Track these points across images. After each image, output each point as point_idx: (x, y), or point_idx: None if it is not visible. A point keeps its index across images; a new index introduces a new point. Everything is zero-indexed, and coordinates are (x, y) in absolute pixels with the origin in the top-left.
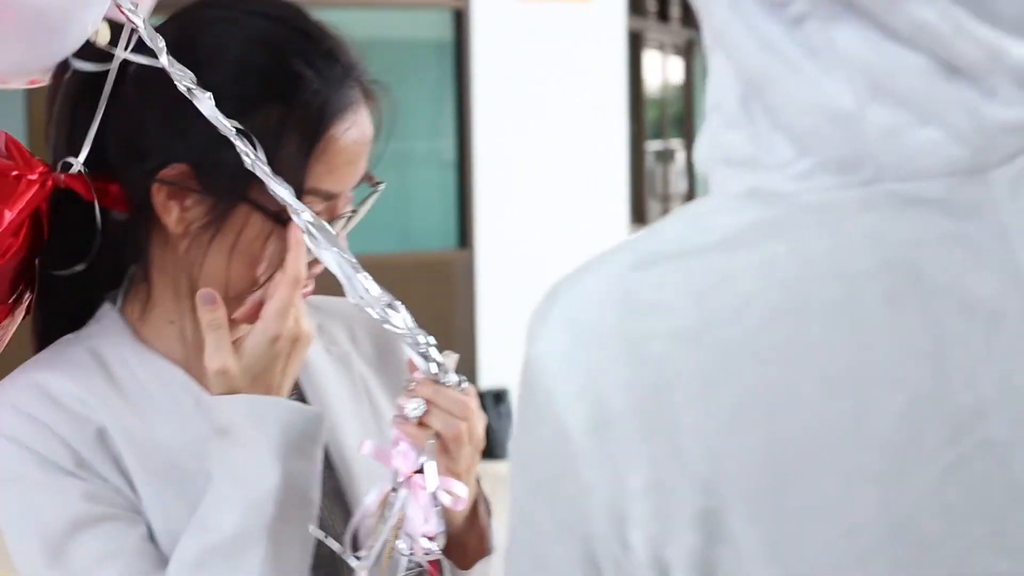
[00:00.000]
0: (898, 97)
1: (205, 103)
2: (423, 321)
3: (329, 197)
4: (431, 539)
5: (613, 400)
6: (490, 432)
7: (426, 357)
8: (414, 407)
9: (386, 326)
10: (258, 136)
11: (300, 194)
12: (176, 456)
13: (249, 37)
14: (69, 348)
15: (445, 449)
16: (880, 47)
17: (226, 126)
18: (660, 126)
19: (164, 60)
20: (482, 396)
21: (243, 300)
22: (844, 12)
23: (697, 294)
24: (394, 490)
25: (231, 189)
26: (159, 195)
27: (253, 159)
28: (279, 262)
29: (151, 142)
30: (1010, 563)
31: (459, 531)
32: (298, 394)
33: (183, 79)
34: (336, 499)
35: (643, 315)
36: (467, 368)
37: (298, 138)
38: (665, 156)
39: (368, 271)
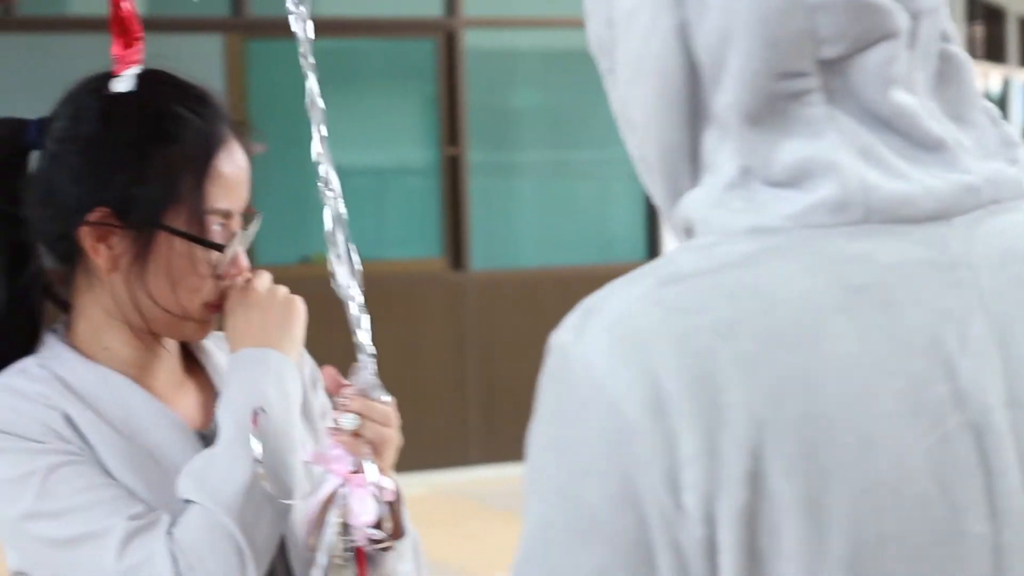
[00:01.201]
0: (883, 162)
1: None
2: None
3: (226, 215)
4: (373, 526)
5: (666, 385)
6: None
7: (366, 367)
8: (349, 420)
9: (357, 333)
10: (160, 171)
11: (202, 215)
12: (130, 441)
13: (153, 101)
14: (23, 366)
15: (375, 452)
16: (868, 124)
17: (318, 104)
18: None
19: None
20: None
21: (190, 315)
22: (842, 94)
23: (728, 297)
24: (337, 489)
25: (148, 220)
26: (87, 239)
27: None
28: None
29: (67, 193)
30: (986, 527)
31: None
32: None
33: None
34: None
35: (681, 316)
36: None
37: (192, 168)
38: None
39: (565, 283)
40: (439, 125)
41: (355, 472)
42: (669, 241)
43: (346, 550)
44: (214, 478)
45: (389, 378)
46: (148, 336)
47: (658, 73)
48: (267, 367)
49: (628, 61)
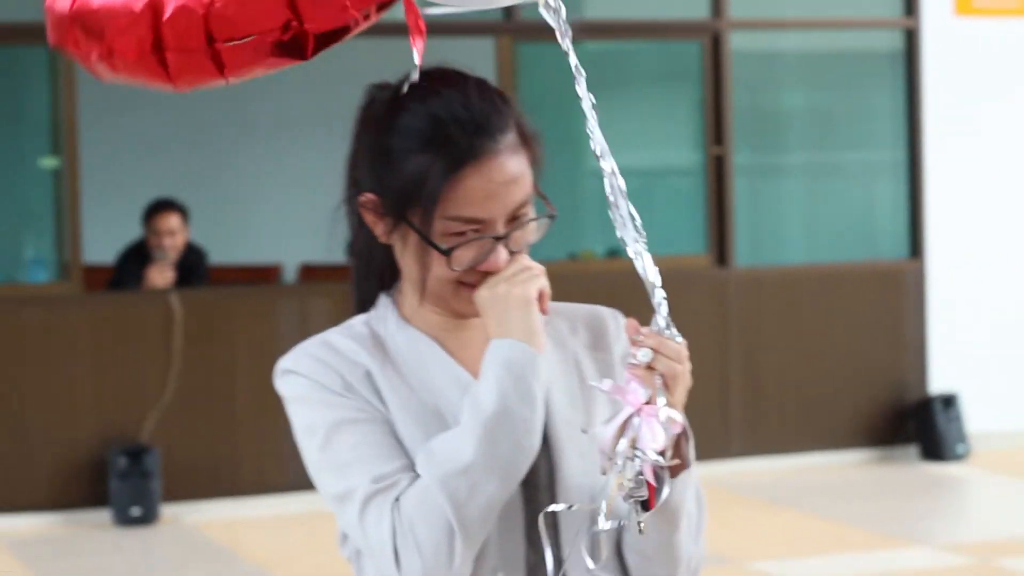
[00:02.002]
0: None
1: (591, 122)
2: (876, 328)
3: (471, 221)
4: (660, 453)
5: None
6: (938, 435)
7: (659, 311)
8: (644, 354)
9: (647, 272)
10: (410, 173)
11: (434, 220)
12: (422, 399)
13: (423, 110)
14: (353, 323)
15: (666, 386)
16: None
17: (602, 144)
18: None
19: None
20: (931, 401)
21: (441, 296)
22: None
23: None
24: (631, 418)
25: (395, 213)
26: (367, 216)
27: (612, 179)
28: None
29: (361, 175)
30: None
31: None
32: None
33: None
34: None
35: None
36: (917, 374)
37: (436, 175)
38: None
39: (828, 280)
40: (705, 126)
41: (647, 403)
42: (932, 239)
43: (636, 474)
44: (439, 456)
45: None
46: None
47: None
48: (505, 358)
49: None
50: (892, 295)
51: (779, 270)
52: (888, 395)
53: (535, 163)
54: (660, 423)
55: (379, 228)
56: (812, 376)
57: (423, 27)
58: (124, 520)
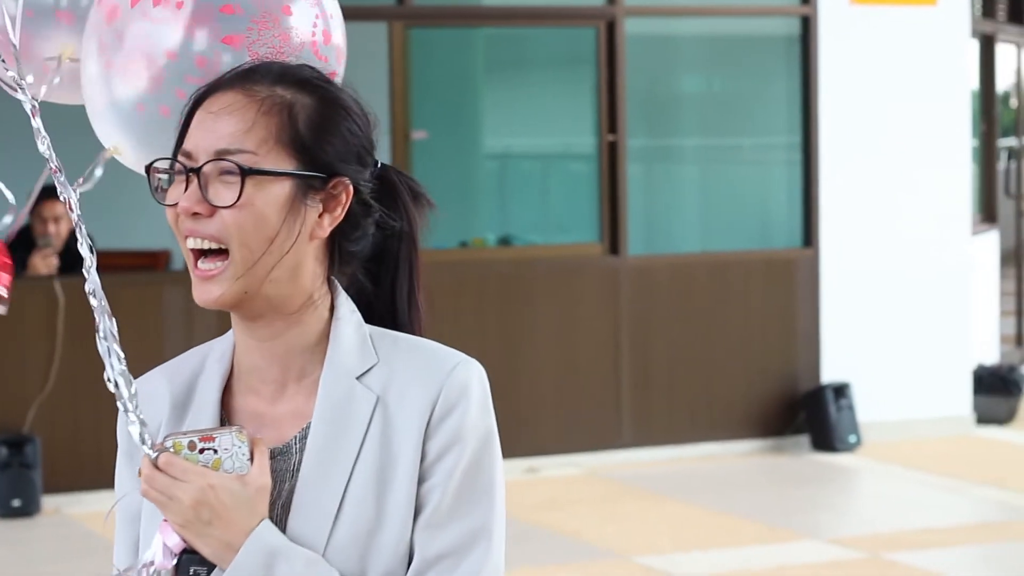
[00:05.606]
0: None
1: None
2: (768, 318)
3: (186, 155)
4: (173, 554)
5: None
6: (829, 425)
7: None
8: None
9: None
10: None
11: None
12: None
13: None
14: (204, 347)
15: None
16: None
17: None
18: (1015, 124)
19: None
20: (823, 390)
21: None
22: None
23: None
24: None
25: None
26: None
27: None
28: None
29: None
30: None
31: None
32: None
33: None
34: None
35: None
36: (811, 363)
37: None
38: (1018, 153)
39: (720, 269)
40: (599, 113)
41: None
42: (825, 228)
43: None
44: None
45: (546, 360)
46: (247, 325)
47: None
48: None
49: None
50: (785, 284)
51: (671, 259)
52: (780, 385)
53: (283, 136)
54: (171, 537)
55: None
56: (704, 366)
57: (9, 263)
58: (4, 512)
